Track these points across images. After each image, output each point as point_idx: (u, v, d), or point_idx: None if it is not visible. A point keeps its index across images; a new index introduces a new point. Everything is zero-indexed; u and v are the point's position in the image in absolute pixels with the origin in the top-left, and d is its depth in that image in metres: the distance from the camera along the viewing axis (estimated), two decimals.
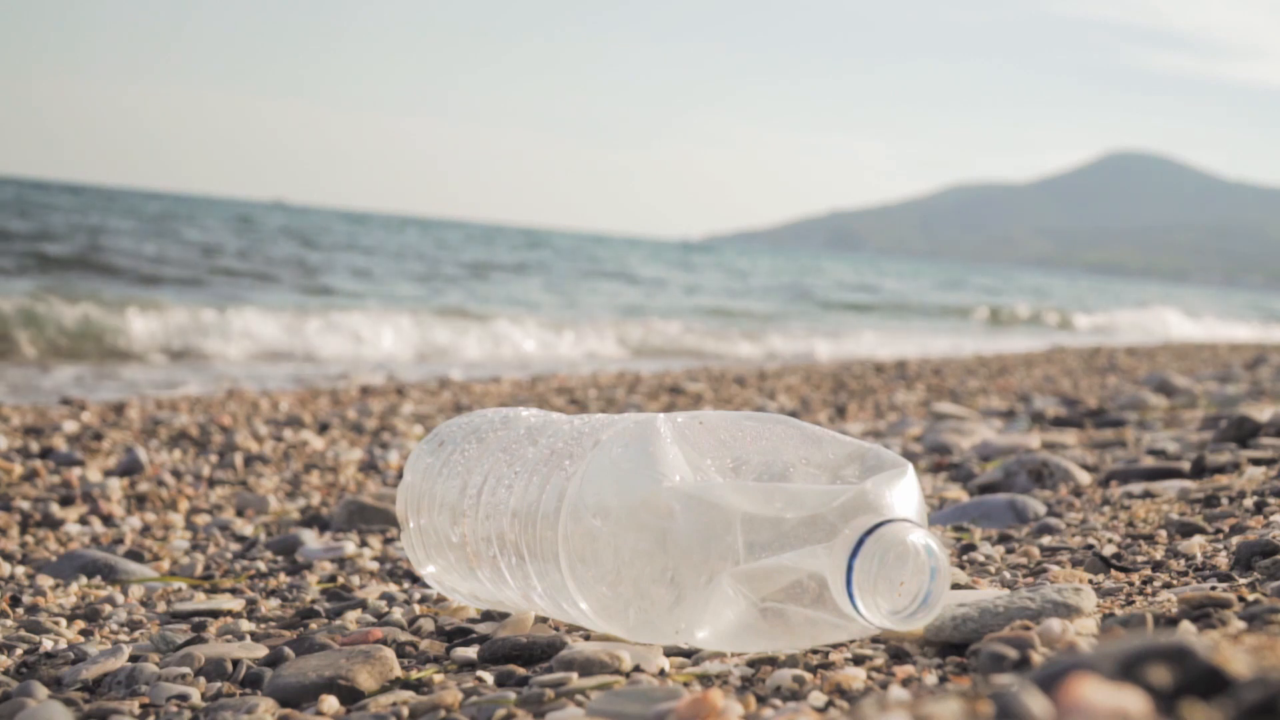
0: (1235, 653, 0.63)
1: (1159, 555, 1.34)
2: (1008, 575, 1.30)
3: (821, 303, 16.66)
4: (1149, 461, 2.05)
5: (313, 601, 1.47)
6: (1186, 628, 0.95)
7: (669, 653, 1.02)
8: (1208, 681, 0.60)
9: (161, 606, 1.50)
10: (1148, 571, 1.27)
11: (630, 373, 5.63)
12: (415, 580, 1.57)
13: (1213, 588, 1.12)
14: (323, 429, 3.19)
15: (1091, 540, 1.46)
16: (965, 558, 1.42)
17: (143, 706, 1.05)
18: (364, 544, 1.84)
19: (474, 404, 3.99)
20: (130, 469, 2.46)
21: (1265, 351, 7.58)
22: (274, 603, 1.48)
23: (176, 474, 2.47)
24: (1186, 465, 1.93)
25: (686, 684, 0.94)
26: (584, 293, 14.48)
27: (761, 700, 0.89)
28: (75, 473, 2.39)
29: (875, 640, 1.02)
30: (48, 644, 1.28)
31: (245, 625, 1.32)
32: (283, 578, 1.65)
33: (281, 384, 4.94)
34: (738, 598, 0.97)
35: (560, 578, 1.04)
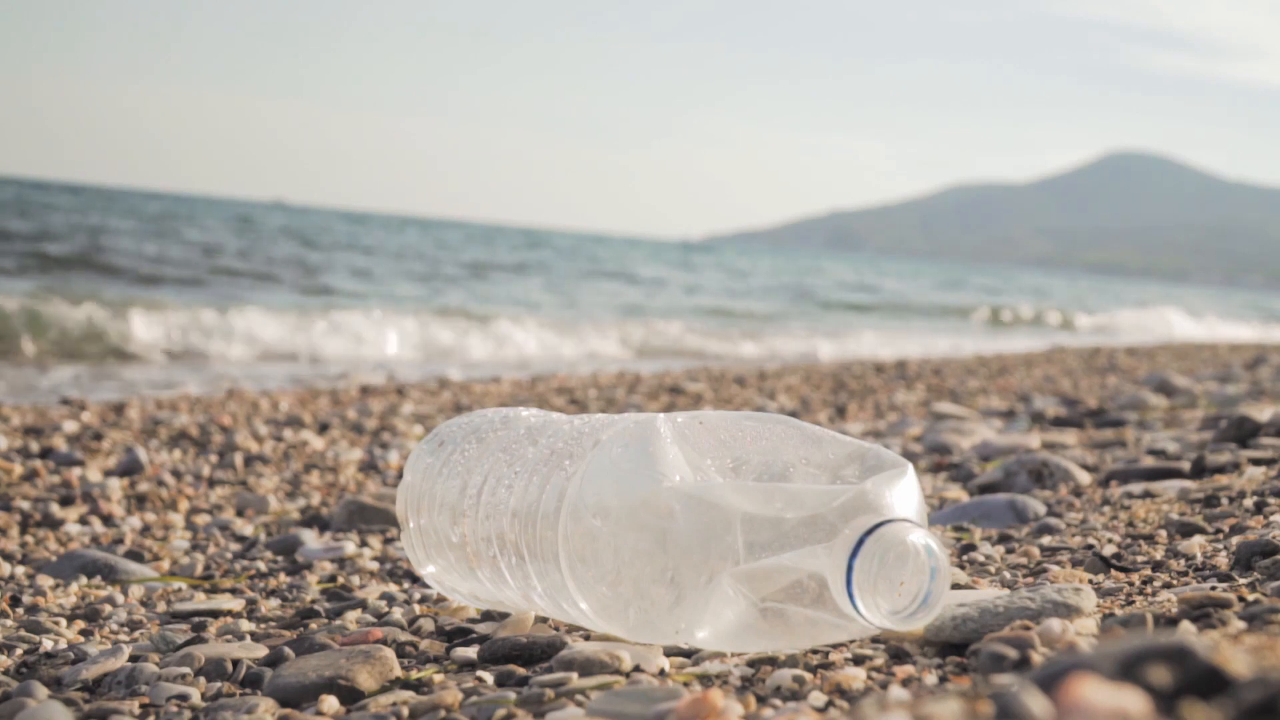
0: (1235, 653, 0.63)
1: (1159, 555, 1.34)
2: (1008, 575, 1.30)
3: (822, 303, 16.66)
4: (1149, 461, 2.05)
5: (313, 601, 1.47)
6: (1186, 628, 0.95)
7: (669, 653, 1.02)
8: (1208, 681, 0.60)
9: (161, 606, 1.50)
10: (1148, 571, 1.27)
11: (630, 373, 5.63)
12: (415, 580, 1.57)
13: (1213, 588, 1.12)
14: (323, 429, 3.19)
15: (1091, 540, 1.46)
16: (965, 558, 1.42)
17: (143, 706, 1.05)
18: (364, 544, 1.84)
19: (474, 404, 3.99)
20: (130, 469, 2.46)
21: (1265, 351, 7.58)
22: (274, 603, 1.48)
23: (176, 474, 2.47)
24: (1186, 465, 1.93)
25: (686, 684, 0.94)
26: (584, 293, 14.48)
27: (761, 700, 0.89)
28: (75, 473, 2.39)
29: (875, 640, 1.02)
30: (48, 644, 1.28)
31: (245, 625, 1.32)
32: (283, 578, 1.65)
33: (281, 384, 4.94)
34: (738, 598, 0.97)
35: (560, 578, 1.04)
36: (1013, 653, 0.88)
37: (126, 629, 1.38)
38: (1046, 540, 1.50)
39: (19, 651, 1.26)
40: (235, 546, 1.88)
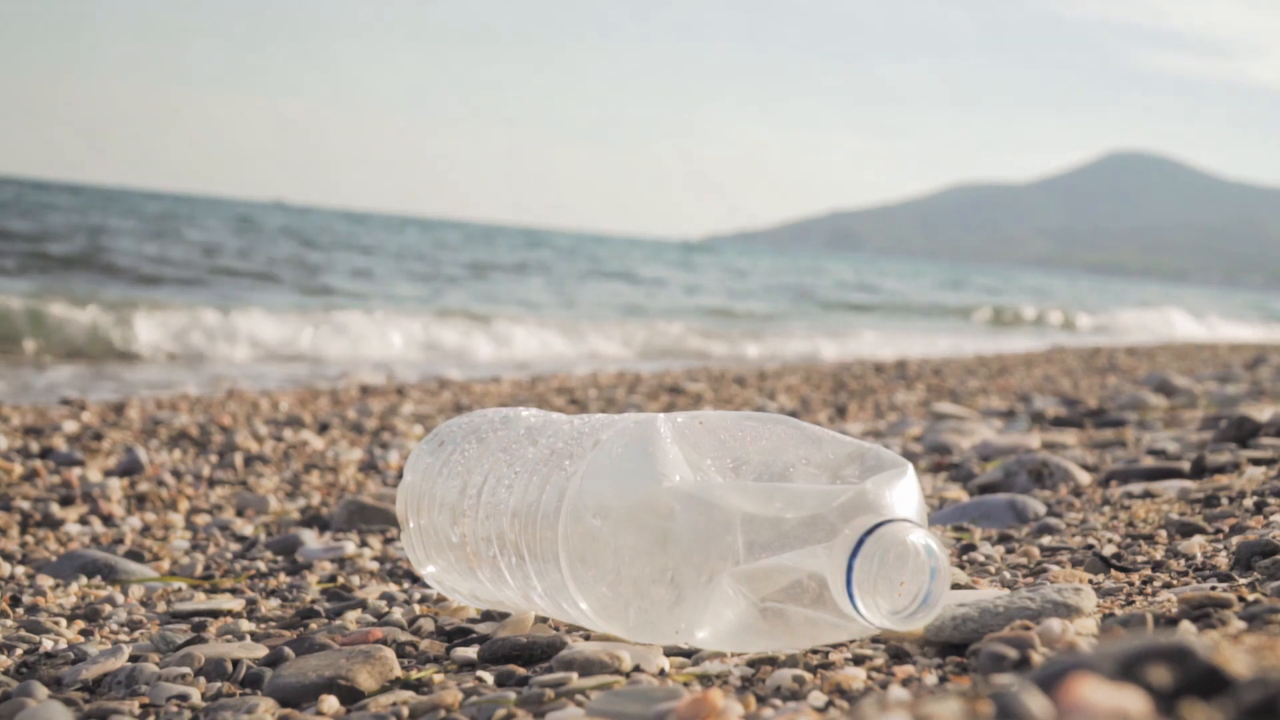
0: (1235, 653, 0.63)
1: (1159, 555, 1.34)
2: (1008, 575, 1.30)
3: (822, 303, 16.66)
4: (1149, 461, 2.04)
5: (313, 601, 1.47)
6: (1186, 628, 0.95)
7: (669, 653, 1.02)
8: (1208, 681, 0.60)
9: (161, 606, 1.50)
10: (1148, 571, 1.26)
11: (630, 373, 5.63)
12: (415, 580, 1.57)
13: (1213, 588, 1.12)
14: (323, 429, 3.19)
15: (1091, 540, 1.46)
16: (965, 558, 1.42)
17: (143, 706, 1.05)
18: (364, 544, 1.84)
19: (474, 404, 3.99)
20: (130, 469, 2.46)
21: (1265, 351, 7.58)
22: (274, 603, 1.48)
23: (176, 474, 2.47)
24: (1186, 465, 1.93)
25: (686, 684, 0.94)
26: (584, 293, 14.49)
27: (761, 700, 0.88)
28: (75, 473, 2.39)
29: (875, 640, 1.02)
30: (48, 644, 1.28)
31: (245, 625, 1.32)
32: (283, 578, 1.65)
33: (281, 384, 4.94)
34: (738, 598, 0.97)
35: (560, 578, 1.04)
36: (1013, 653, 0.88)
37: (126, 629, 1.38)
38: (1046, 540, 1.50)
39: (19, 651, 1.26)
40: (235, 546, 1.88)
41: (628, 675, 0.97)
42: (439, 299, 11.25)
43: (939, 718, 0.61)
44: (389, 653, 1.07)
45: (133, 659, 1.19)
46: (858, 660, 0.97)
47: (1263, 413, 2.23)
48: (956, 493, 1.98)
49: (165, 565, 1.75)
